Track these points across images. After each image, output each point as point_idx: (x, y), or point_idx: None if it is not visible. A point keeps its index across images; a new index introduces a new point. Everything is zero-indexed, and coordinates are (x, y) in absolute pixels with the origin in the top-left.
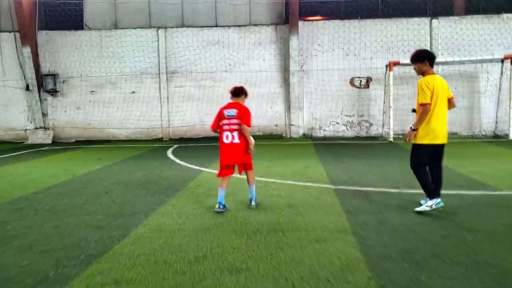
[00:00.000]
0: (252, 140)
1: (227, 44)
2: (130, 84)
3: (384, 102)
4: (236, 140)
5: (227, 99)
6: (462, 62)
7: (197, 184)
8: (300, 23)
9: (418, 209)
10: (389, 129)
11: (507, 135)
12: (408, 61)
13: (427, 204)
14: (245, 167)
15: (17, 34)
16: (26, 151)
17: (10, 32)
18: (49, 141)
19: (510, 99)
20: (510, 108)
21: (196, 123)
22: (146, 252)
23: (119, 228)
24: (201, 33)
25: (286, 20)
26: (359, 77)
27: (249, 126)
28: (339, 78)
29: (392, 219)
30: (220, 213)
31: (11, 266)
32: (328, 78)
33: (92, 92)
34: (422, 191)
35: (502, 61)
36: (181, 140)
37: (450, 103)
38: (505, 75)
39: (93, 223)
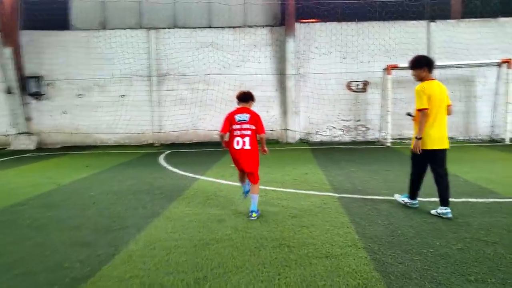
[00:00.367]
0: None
1: (221, 45)
2: (119, 87)
3: (382, 106)
4: (247, 146)
5: (221, 103)
6: (459, 66)
7: (193, 194)
8: (297, 25)
9: (395, 196)
10: (386, 133)
11: (503, 140)
12: (406, 64)
13: (404, 199)
14: (250, 177)
15: None
16: (7, 158)
17: None
18: (33, 147)
19: (506, 103)
20: (506, 112)
21: (189, 127)
22: (139, 274)
23: (108, 245)
24: (194, 34)
25: (282, 21)
26: (356, 81)
27: (264, 133)
28: (336, 81)
29: (404, 231)
30: (221, 224)
31: None
32: (325, 82)
33: (79, 96)
34: (429, 199)
35: (499, 65)
36: (173, 145)
37: (448, 110)
38: (502, 79)
39: (79, 239)
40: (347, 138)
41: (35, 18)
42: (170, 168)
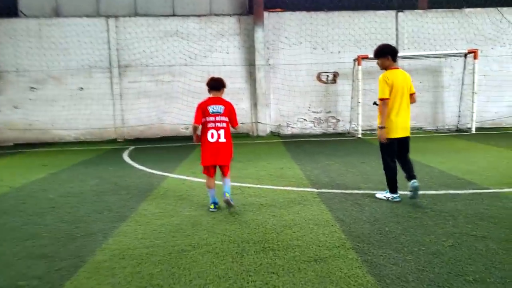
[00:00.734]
0: None
1: (186, 35)
2: (77, 80)
3: (352, 98)
4: (222, 139)
5: (188, 95)
6: (427, 56)
7: (163, 193)
8: (265, 14)
9: (377, 195)
10: (357, 125)
11: (469, 129)
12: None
13: (385, 195)
14: (222, 170)
15: None
16: None
17: None
18: None
19: (472, 93)
20: (472, 102)
21: (154, 122)
22: None
23: (70, 257)
24: (157, 22)
25: (250, 10)
26: (326, 72)
27: (237, 126)
28: (307, 73)
29: (392, 228)
30: (197, 227)
31: None
32: (296, 73)
33: (32, 89)
34: (411, 193)
35: (465, 55)
36: (138, 141)
37: (411, 98)
38: (468, 69)
39: (36, 250)
40: (318, 130)
41: None
42: (136, 165)
